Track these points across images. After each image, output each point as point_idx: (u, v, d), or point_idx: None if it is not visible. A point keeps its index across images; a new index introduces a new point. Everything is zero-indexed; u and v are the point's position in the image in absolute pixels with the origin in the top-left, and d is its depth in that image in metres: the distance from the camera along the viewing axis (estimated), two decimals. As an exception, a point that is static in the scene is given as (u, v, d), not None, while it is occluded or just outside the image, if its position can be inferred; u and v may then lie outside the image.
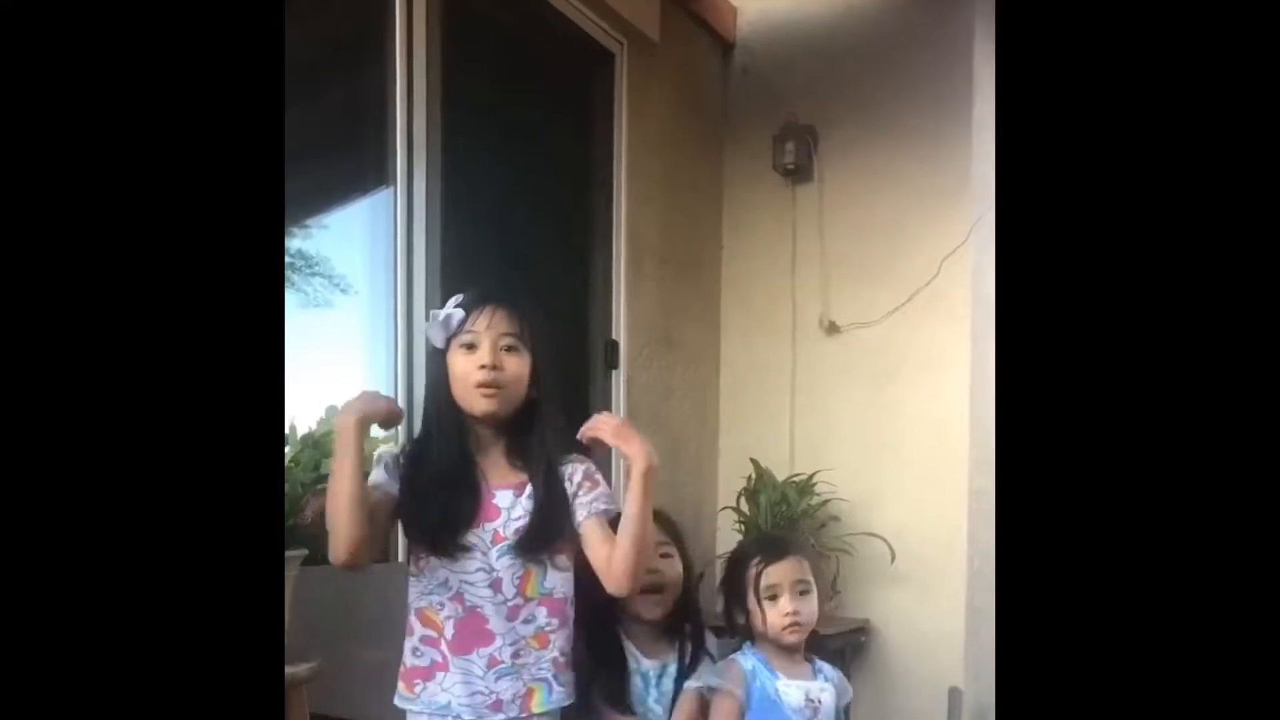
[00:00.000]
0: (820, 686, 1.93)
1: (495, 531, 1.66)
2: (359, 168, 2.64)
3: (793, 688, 1.90)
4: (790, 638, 1.92)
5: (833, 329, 3.55)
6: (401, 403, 2.53)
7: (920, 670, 3.37)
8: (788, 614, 1.90)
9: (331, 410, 2.23)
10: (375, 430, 2.28)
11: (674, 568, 1.99)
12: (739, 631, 1.99)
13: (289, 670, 1.81)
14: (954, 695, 3.32)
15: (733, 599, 1.98)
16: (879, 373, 3.48)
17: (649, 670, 1.96)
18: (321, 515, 2.04)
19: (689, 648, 2.02)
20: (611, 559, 1.63)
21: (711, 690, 1.93)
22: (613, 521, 1.68)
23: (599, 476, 1.73)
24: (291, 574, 1.83)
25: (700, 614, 2.08)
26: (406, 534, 1.69)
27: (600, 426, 1.66)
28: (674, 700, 1.97)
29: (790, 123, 3.58)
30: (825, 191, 3.57)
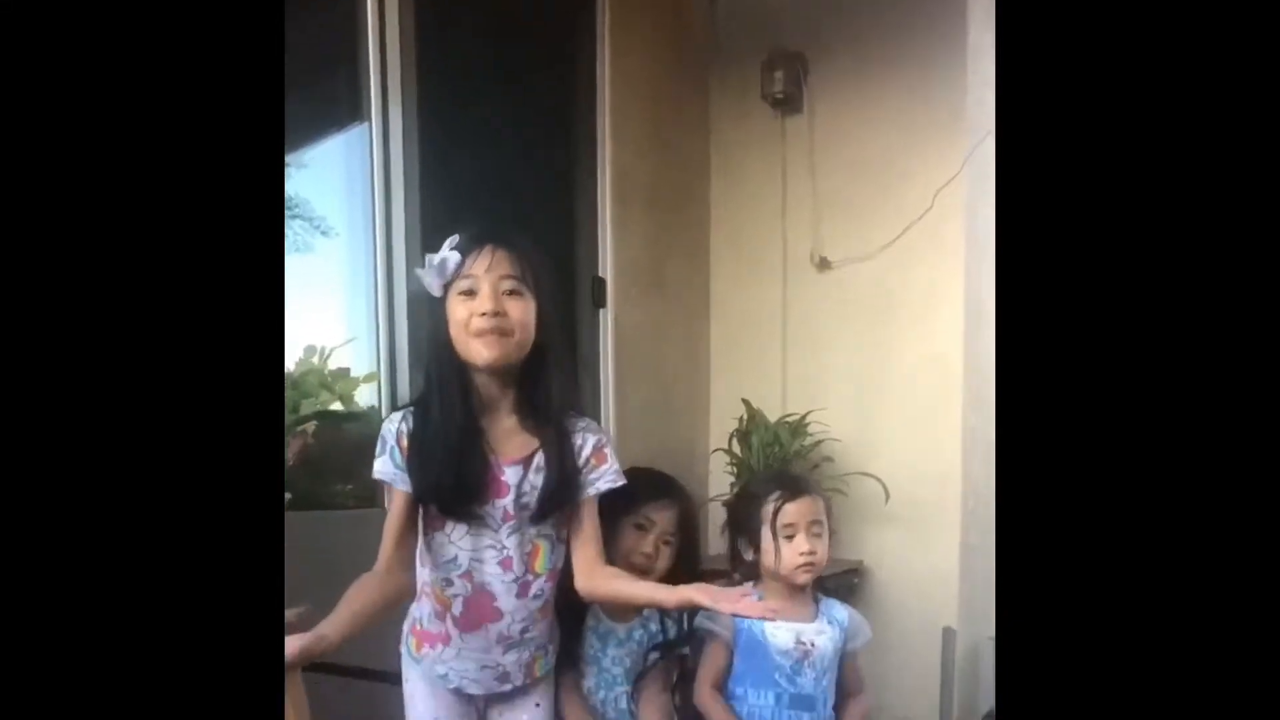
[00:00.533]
0: (818, 629, 1.88)
1: (505, 509, 1.60)
2: (332, 102, 2.55)
3: (782, 630, 1.85)
4: (802, 577, 1.87)
5: (824, 265, 3.49)
6: (384, 346, 2.49)
7: (914, 610, 3.36)
8: (803, 553, 1.85)
9: (310, 350, 2.18)
10: (355, 369, 2.23)
11: (666, 558, 1.90)
12: (744, 570, 1.93)
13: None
14: (948, 635, 3.31)
15: (743, 534, 1.91)
16: (872, 310, 3.42)
17: (612, 630, 1.89)
18: (302, 457, 1.99)
19: (665, 615, 1.93)
20: (596, 578, 1.63)
21: (701, 633, 1.88)
22: (613, 494, 1.66)
23: (608, 449, 1.68)
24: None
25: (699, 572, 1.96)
26: (420, 500, 1.61)
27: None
28: (640, 662, 1.89)
29: (779, 49, 3.47)
30: (815, 124, 3.48)
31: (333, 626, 1.41)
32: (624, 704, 1.88)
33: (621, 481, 1.66)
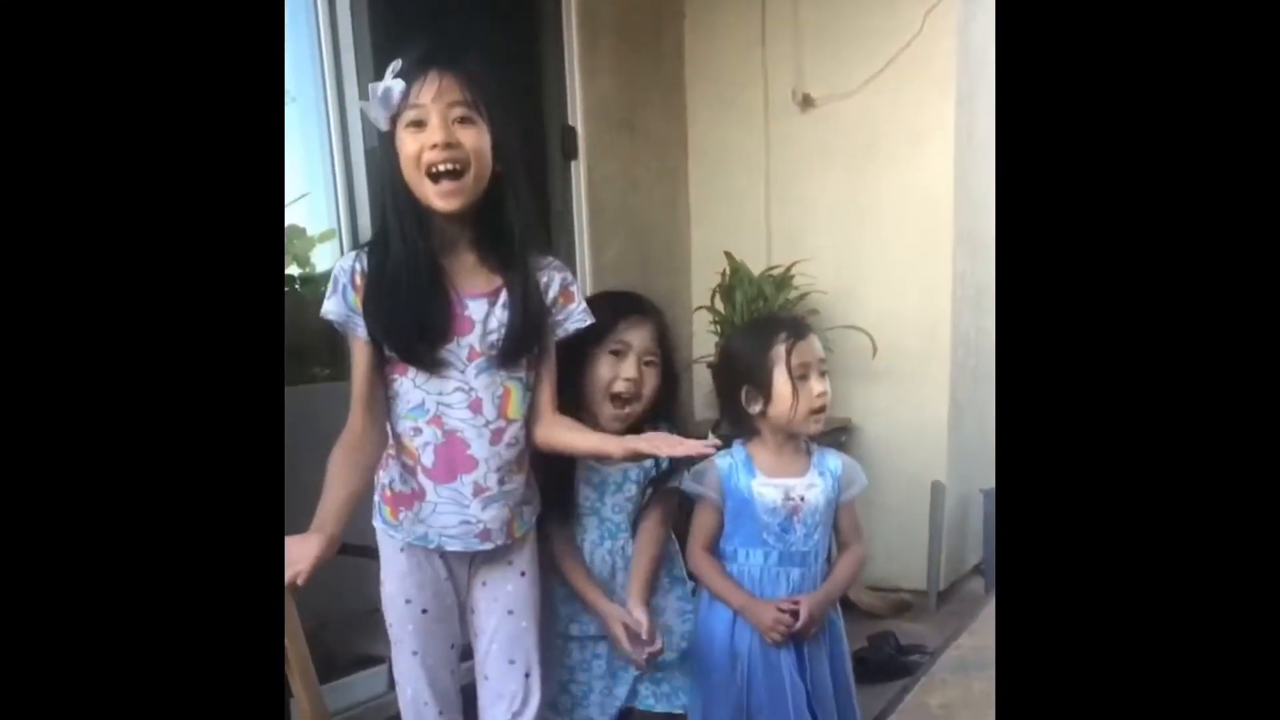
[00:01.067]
0: (808, 483, 1.79)
1: (471, 347, 1.52)
2: None
3: (769, 486, 1.77)
4: (814, 426, 1.77)
5: (807, 103, 3.36)
6: (342, 207, 2.37)
7: (903, 465, 3.35)
8: (820, 394, 1.75)
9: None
10: (311, 229, 2.08)
11: (651, 381, 1.78)
12: (745, 423, 1.81)
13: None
14: (936, 489, 3.33)
15: (751, 382, 1.78)
16: (858, 149, 3.32)
17: (607, 477, 1.80)
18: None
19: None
20: (550, 429, 1.60)
21: (689, 496, 1.81)
22: (580, 333, 1.62)
23: (574, 288, 1.63)
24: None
25: (682, 419, 1.90)
26: (378, 342, 1.53)
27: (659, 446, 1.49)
28: (639, 503, 1.82)
29: None
30: (797, -56, 3.31)
31: (333, 520, 1.43)
32: (630, 550, 1.81)
33: (590, 320, 1.62)
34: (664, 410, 1.81)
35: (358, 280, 1.50)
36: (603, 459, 1.67)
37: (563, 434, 1.60)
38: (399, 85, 1.45)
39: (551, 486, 1.73)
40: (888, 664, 2.79)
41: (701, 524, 1.81)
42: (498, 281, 1.54)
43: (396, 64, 1.47)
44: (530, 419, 1.60)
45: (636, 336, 1.76)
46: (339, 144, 2.38)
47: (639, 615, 1.69)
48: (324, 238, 2.27)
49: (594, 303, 1.65)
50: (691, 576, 1.86)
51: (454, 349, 1.52)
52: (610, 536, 1.80)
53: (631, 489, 1.81)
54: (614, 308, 1.78)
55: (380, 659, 2.16)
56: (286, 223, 1.99)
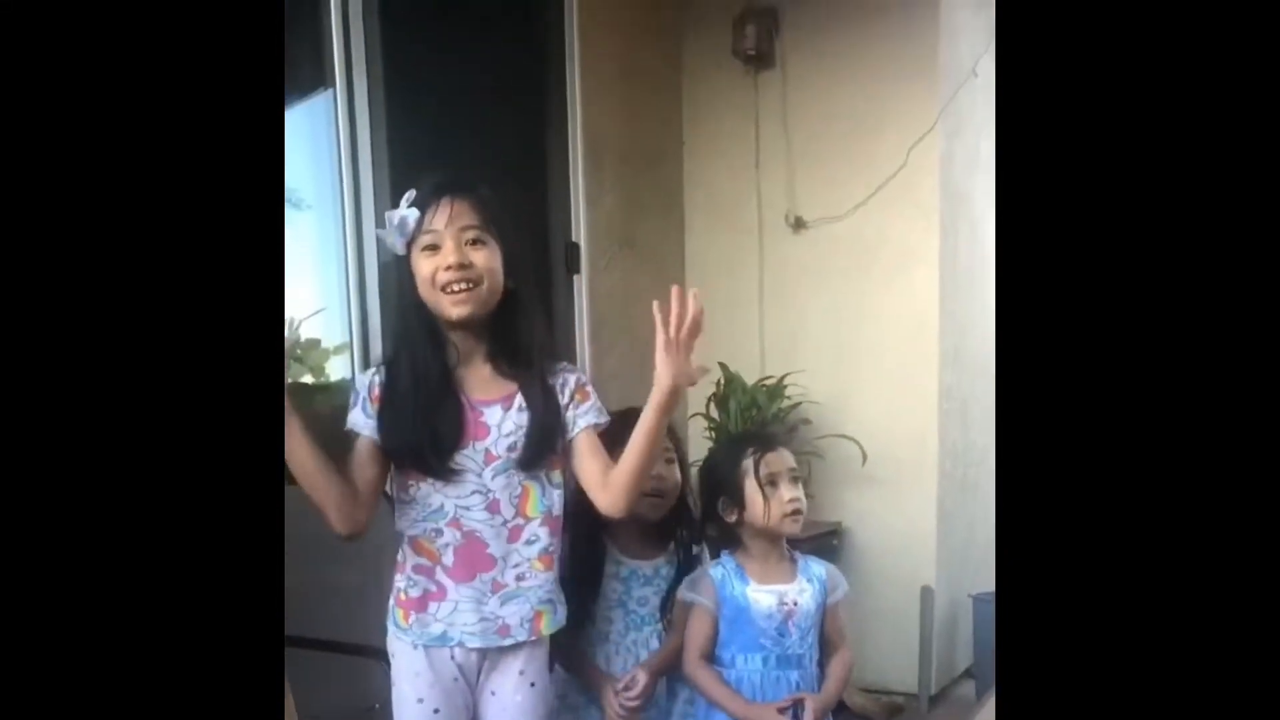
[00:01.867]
0: (799, 588, 1.87)
1: (487, 450, 1.57)
2: (295, 68, 2.49)
3: (763, 593, 1.84)
4: (791, 526, 1.85)
5: (800, 224, 3.48)
6: (355, 316, 2.48)
7: (893, 570, 3.39)
8: (791, 499, 1.84)
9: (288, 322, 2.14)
10: (326, 341, 2.19)
11: (674, 474, 1.91)
12: (725, 534, 1.91)
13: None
14: (926, 594, 3.36)
15: (723, 495, 1.89)
16: (848, 269, 3.42)
17: (636, 570, 1.89)
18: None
19: (684, 547, 1.95)
20: (611, 476, 1.58)
21: (686, 605, 1.86)
22: (601, 434, 1.63)
23: (590, 387, 1.66)
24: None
25: (694, 517, 2.00)
26: (393, 459, 1.59)
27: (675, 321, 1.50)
28: (663, 602, 1.90)
29: (750, 5, 3.43)
30: (788, 78, 3.45)
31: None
32: (655, 643, 1.88)
33: (606, 418, 1.64)
34: (683, 498, 1.93)
35: (375, 393, 1.57)
36: (663, 415, 1.58)
37: (621, 470, 1.57)
38: (414, 214, 1.54)
39: (578, 579, 1.78)
40: (880, 767, 2.76)
41: (697, 632, 1.84)
42: (512, 387, 1.59)
43: (411, 194, 1.56)
44: (589, 492, 1.62)
45: None
46: (354, 259, 2.47)
47: (639, 673, 1.75)
48: (338, 350, 2.36)
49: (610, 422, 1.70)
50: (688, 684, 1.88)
51: (470, 454, 1.56)
52: (635, 629, 1.87)
53: (660, 584, 1.90)
54: (628, 419, 1.90)
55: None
56: (304, 336, 2.11)
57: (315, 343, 2.13)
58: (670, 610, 1.90)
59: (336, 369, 2.40)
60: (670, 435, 1.91)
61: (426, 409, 1.55)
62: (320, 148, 2.52)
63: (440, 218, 1.54)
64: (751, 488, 1.84)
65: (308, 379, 2.04)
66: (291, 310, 2.16)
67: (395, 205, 1.58)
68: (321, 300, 2.41)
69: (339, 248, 2.51)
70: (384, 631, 1.68)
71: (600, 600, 1.88)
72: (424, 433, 1.55)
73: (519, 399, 1.59)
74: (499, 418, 1.58)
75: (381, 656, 1.69)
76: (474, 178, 1.62)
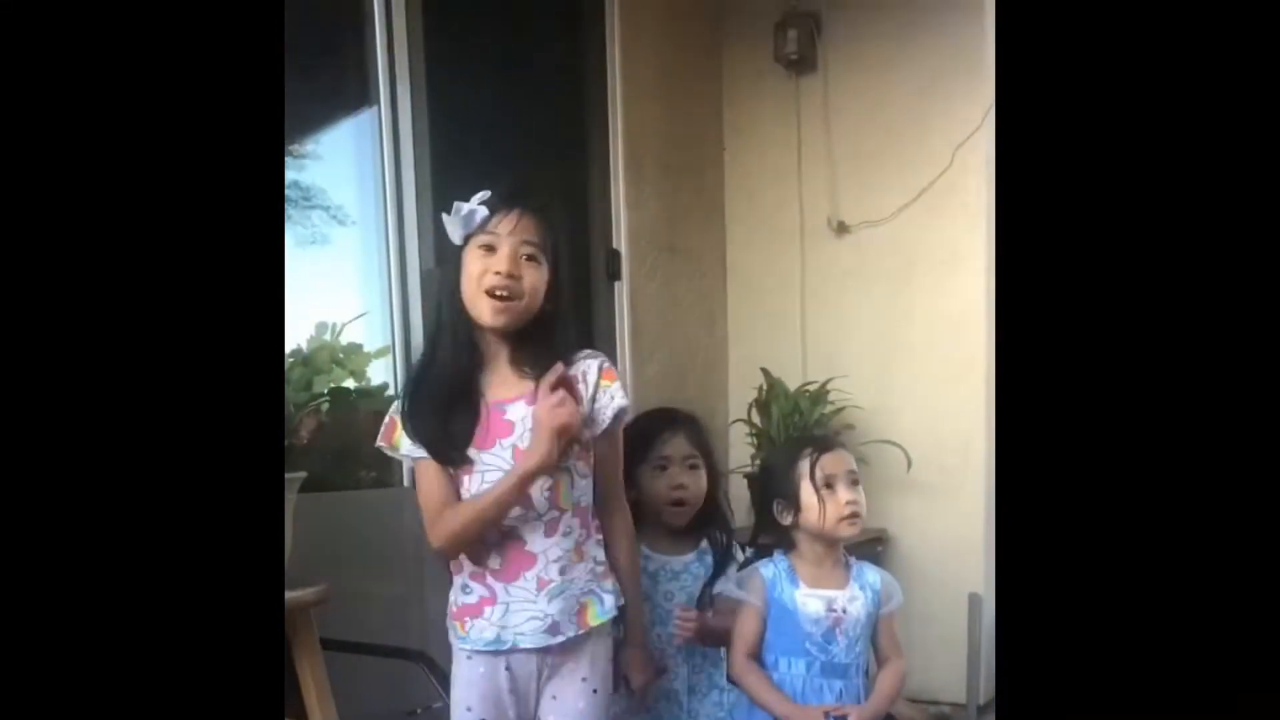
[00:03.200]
0: (850, 596, 1.83)
1: (514, 447, 1.59)
2: (339, 86, 2.56)
3: (813, 598, 1.81)
4: (848, 530, 1.82)
5: (842, 229, 3.45)
6: (397, 326, 2.52)
7: (940, 577, 3.33)
8: (848, 502, 1.81)
9: (321, 326, 2.15)
10: (368, 345, 2.21)
11: (699, 481, 1.91)
12: (780, 535, 1.88)
13: (295, 595, 1.77)
14: (974, 601, 3.30)
15: (779, 496, 1.86)
16: (892, 273, 3.39)
17: (665, 565, 1.89)
18: (316, 436, 1.96)
19: (718, 547, 1.94)
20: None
21: (733, 601, 1.85)
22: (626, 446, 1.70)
23: (613, 368, 1.69)
24: (291, 497, 1.78)
25: (728, 519, 2.01)
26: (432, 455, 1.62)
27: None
28: (699, 599, 1.89)
29: (792, 9, 3.42)
30: (830, 82, 3.43)
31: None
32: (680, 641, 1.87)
33: (627, 400, 1.67)
34: (714, 503, 1.92)
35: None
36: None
37: (613, 539, 1.69)
38: (482, 211, 1.57)
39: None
40: (926, 779, 2.73)
41: (745, 631, 1.82)
42: (531, 385, 1.60)
43: (485, 193, 1.59)
44: (597, 508, 1.67)
45: (674, 448, 1.90)
46: (397, 266, 2.51)
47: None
48: (380, 354, 2.37)
49: (633, 422, 1.74)
50: (733, 683, 1.87)
51: (498, 452, 1.58)
52: (661, 623, 1.86)
53: (688, 580, 1.90)
54: (651, 425, 1.93)
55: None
56: (345, 340, 2.13)
57: (357, 347, 2.15)
58: (708, 607, 1.89)
59: (378, 373, 2.41)
60: (697, 442, 1.92)
61: (445, 404, 1.59)
62: (365, 163, 2.58)
63: (505, 224, 1.57)
64: (807, 490, 1.81)
65: (350, 383, 2.05)
66: (334, 315, 2.19)
67: (438, 215, 1.61)
68: (364, 305, 2.44)
69: (381, 257, 2.55)
70: (424, 635, 1.70)
71: None
72: (443, 427, 1.59)
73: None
74: (522, 413, 1.59)
75: (420, 659, 1.71)
76: (548, 194, 1.66)
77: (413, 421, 1.60)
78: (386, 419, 1.65)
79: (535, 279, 1.58)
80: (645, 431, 1.90)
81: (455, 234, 1.60)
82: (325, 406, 2.00)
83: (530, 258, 1.57)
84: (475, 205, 1.58)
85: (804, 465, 1.83)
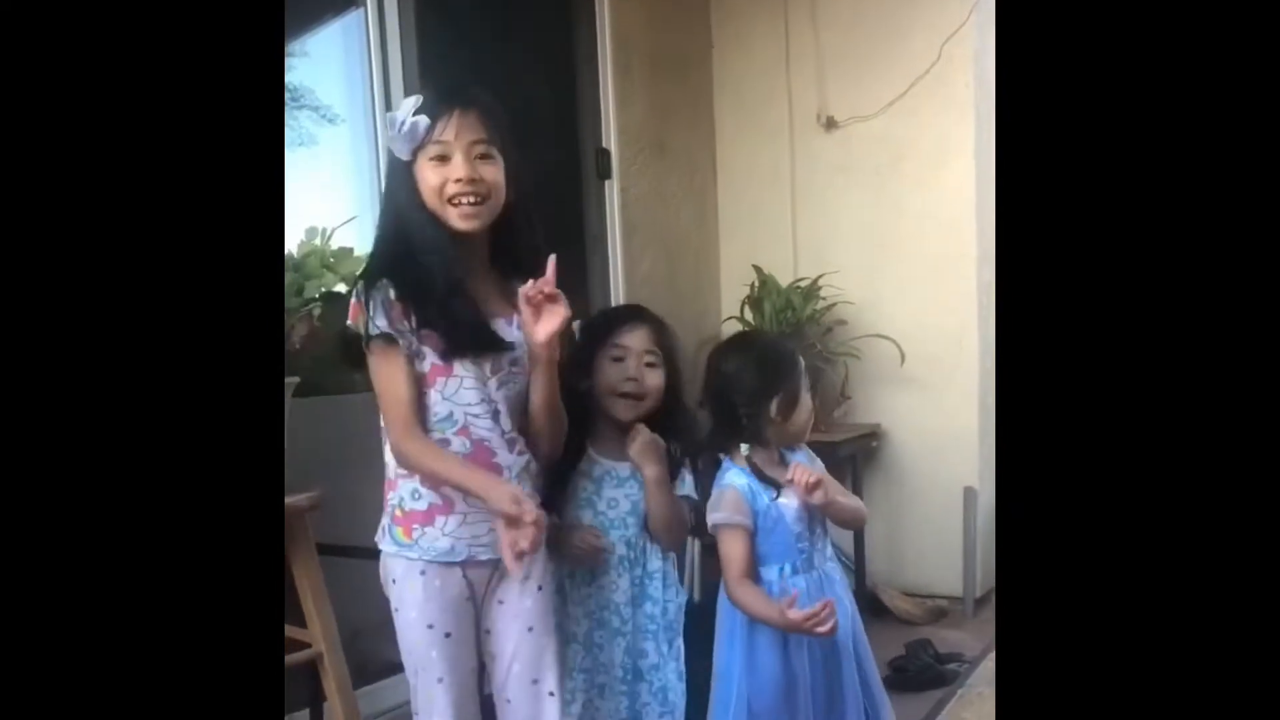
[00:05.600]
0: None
1: (495, 360, 1.60)
2: None
3: (787, 497, 1.75)
4: (804, 437, 1.84)
5: (831, 124, 3.44)
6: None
7: (934, 472, 3.37)
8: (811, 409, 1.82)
9: (311, 231, 2.16)
10: (360, 250, 2.21)
11: (654, 379, 1.82)
12: (752, 434, 1.77)
13: (290, 500, 1.78)
14: (969, 494, 3.32)
15: (781, 392, 1.77)
16: (881, 168, 3.38)
17: (610, 471, 1.82)
18: (309, 341, 1.97)
19: (673, 461, 1.86)
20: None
21: (716, 527, 1.77)
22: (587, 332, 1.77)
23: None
24: (284, 402, 1.78)
25: (692, 425, 1.91)
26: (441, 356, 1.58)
27: None
28: (637, 508, 1.82)
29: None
30: (817, -26, 3.39)
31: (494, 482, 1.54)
32: (622, 550, 1.80)
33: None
34: (671, 403, 1.84)
35: (392, 297, 1.52)
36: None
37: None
38: (424, 121, 1.52)
39: (549, 472, 1.74)
40: (925, 672, 2.74)
41: (735, 553, 1.74)
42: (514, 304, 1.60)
43: (417, 99, 1.55)
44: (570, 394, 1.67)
45: (633, 339, 1.82)
46: (385, 167, 2.49)
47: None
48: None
49: (598, 314, 1.73)
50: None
51: (480, 360, 1.58)
52: (603, 530, 1.80)
53: (633, 487, 1.82)
54: (611, 317, 1.93)
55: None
56: (335, 245, 2.13)
57: (348, 251, 2.15)
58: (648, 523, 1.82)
59: (369, 277, 2.42)
60: (659, 340, 1.85)
61: (450, 304, 1.55)
62: (352, 64, 2.55)
63: (451, 130, 1.53)
64: (806, 392, 1.81)
65: (341, 287, 2.06)
66: (324, 220, 2.19)
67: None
68: (354, 209, 2.43)
69: (371, 159, 2.54)
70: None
71: (569, 497, 1.83)
72: (462, 320, 1.55)
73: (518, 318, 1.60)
74: (504, 330, 1.60)
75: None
76: (477, 88, 1.61)
77: (438, 324, 1.54)
78: (354, 300, 1.56)
79: (494, 175, 1.55)
80: (608, 319, 1.89)
81: (403, 150, 1.55)
82: (317, 312, 2.01)
83: (483, 156, 1.55)
84: (415, 117, 1.53)
85: (803, 365, 1.82)
